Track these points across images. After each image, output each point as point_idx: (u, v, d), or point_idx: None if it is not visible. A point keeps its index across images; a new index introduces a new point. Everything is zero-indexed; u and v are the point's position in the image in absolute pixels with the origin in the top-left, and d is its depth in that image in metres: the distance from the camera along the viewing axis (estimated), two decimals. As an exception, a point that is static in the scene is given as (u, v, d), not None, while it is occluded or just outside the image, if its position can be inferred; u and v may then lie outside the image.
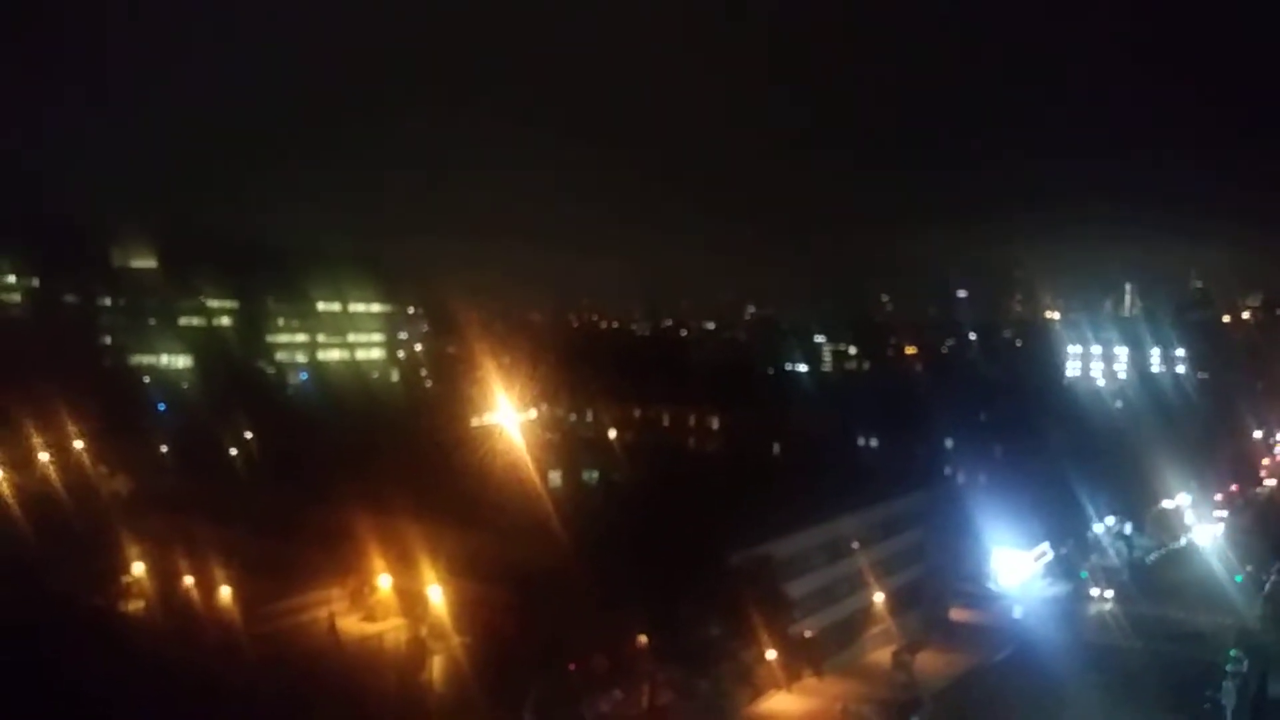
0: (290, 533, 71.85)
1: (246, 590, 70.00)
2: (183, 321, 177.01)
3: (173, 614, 70.65)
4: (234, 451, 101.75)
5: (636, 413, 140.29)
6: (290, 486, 79.91)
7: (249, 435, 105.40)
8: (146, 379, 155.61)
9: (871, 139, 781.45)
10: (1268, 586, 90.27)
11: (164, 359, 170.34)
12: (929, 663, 71.17)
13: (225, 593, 71.01)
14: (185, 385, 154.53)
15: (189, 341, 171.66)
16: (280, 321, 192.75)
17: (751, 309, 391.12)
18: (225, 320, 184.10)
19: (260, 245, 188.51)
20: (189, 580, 73.24)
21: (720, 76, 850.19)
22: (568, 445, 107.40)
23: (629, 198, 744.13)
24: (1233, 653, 68.92)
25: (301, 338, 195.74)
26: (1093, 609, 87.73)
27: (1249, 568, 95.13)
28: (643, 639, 55.80)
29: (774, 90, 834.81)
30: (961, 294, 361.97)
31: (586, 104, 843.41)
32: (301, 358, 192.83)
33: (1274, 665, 70.55)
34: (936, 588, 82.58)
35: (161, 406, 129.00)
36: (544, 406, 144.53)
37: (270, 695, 56.20)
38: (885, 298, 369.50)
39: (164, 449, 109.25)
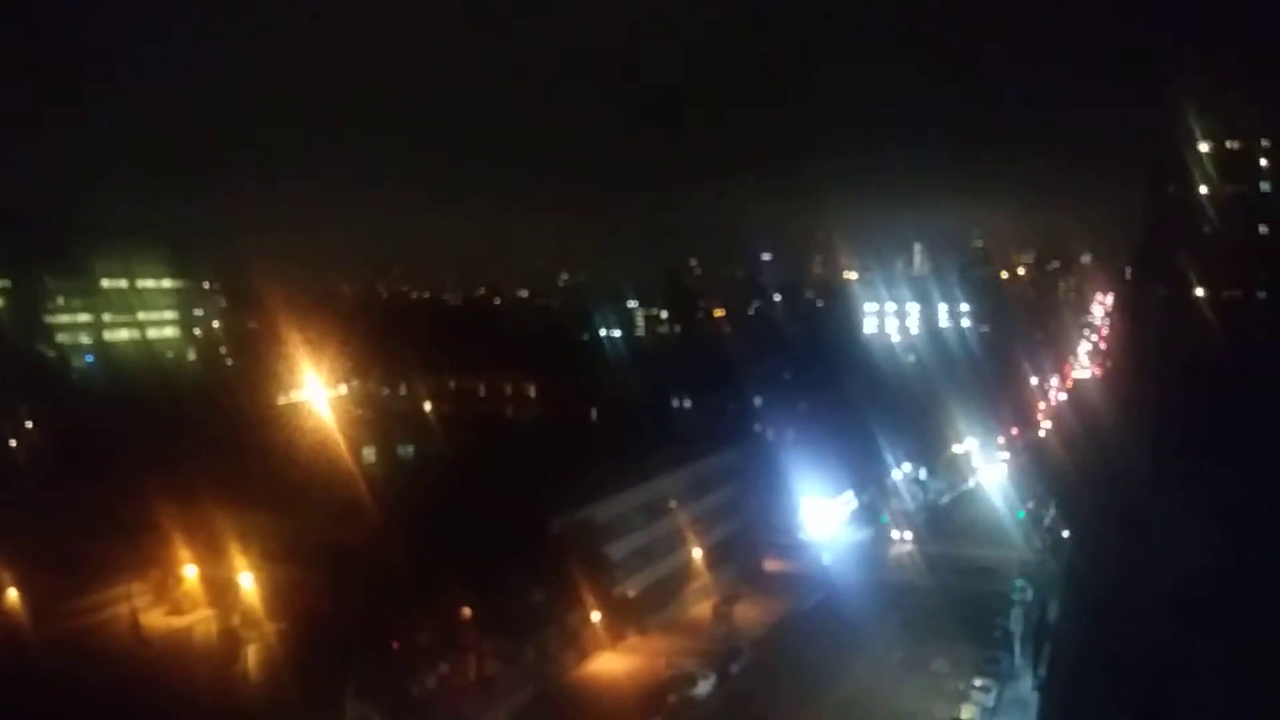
0: (82, 526, 67.17)
1: (34, 590, 65.12)
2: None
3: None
4: (13, 442, 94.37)
5: (451, 384, 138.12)
6: (80, 477, 74.76)
7: (29, 424, 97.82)
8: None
9: (679, 104, 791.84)
10: (1046, 521, 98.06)
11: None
12: (747, 613, 73.99)
13: (12, 595, 65.96)
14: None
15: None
16: (60, 300, 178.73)
17: (565, 276, 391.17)
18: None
19: (33, 216, 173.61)
20: (-32, 585, 67.55)
21: (520, 38, 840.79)
22: (381, 420, 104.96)
23: (436, 165, 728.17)
24: (1018, 583, 74.59)
25: (85, 317, 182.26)
26: (894, 551, 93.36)
27: (1029, 504, 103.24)
28: (466, 611, 55.56)
29: (576, 57, 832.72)
30: (766, 257, 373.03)
31: (390, 73, 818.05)
32: (86, 338, 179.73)
33: (1052, 593, 77.01)
34: (751, 540, 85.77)
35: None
36: (354, 382, 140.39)
37: (67, 700, 52.70)
38: (694, 262, 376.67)
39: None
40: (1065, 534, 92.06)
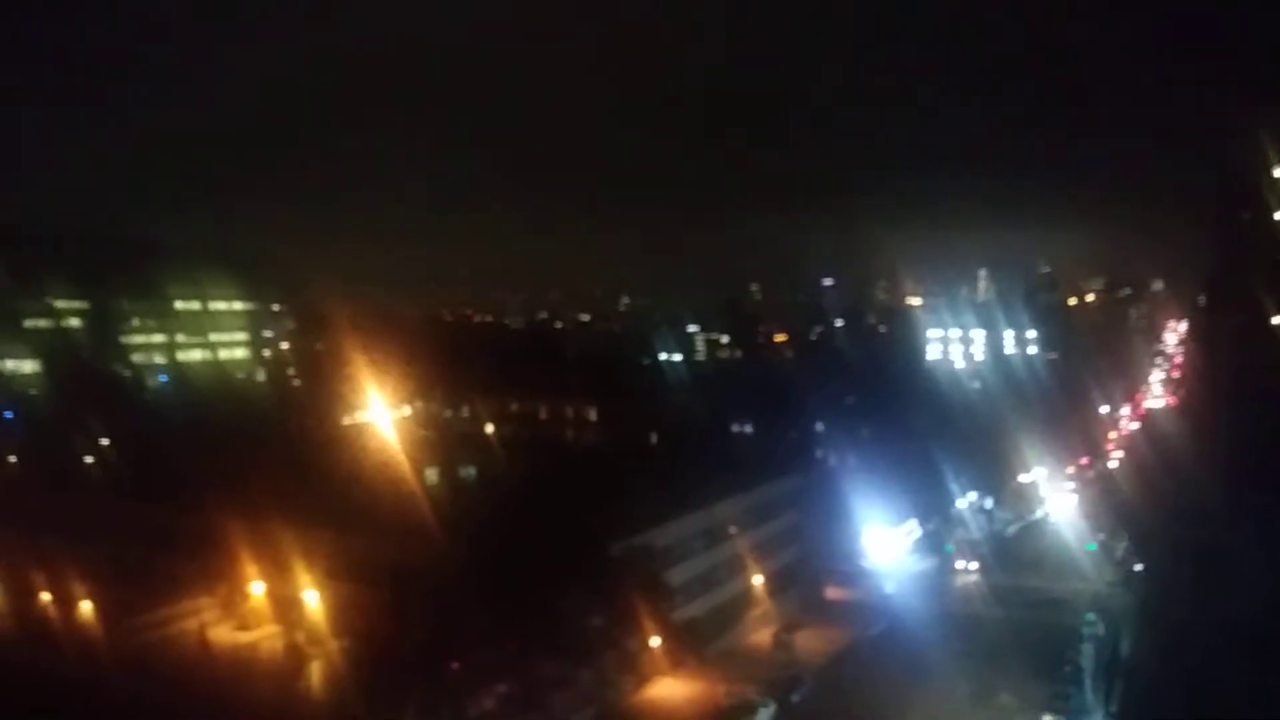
0: (154, 542, 68.98)
1: (109, 604, 67.06)
2: (28, 323, 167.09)
3: (31, 633, 67.10)
4: (90, 460, 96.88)
5: (513, 407, 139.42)
6: (153, 494, 76.60)
7: (105, 442, 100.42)
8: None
9: (739, 129, 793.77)
10: (1118, 553, 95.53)
11: (8, 364, 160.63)
12: (808, 641, 73.01)
13: (86, 608, 67.82)
14: (34, 391, 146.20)
15: (36, 344, 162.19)
16: (136, 321, 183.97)
17: (625, 300, 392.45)
18: (75, 321, 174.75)
19: (111, 241, 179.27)
20: (46, 597, 69.59)
21: (584, 64, 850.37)
22: (443, 442, 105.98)
23: (499, 189, 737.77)
24: (1089, 617, 72.65)
25: (159, 338, 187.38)
26: (959, 581, 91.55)
27: (1100, 536, 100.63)
28: (525, 633, 55.65)
29: (639, 82, 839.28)
30: (828, 282, 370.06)
31: (453, 95, 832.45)
32: (160, 359, 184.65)
33: (1124, 627, 74.92)
34: (812, 568, 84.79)
35: (8, 414, 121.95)
36: (418, 403, 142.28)
37: (140, 712, 53.89)
38: (754, 287, 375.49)
39: (12, 459, 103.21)
40: (1138, 567, 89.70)
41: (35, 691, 56.13)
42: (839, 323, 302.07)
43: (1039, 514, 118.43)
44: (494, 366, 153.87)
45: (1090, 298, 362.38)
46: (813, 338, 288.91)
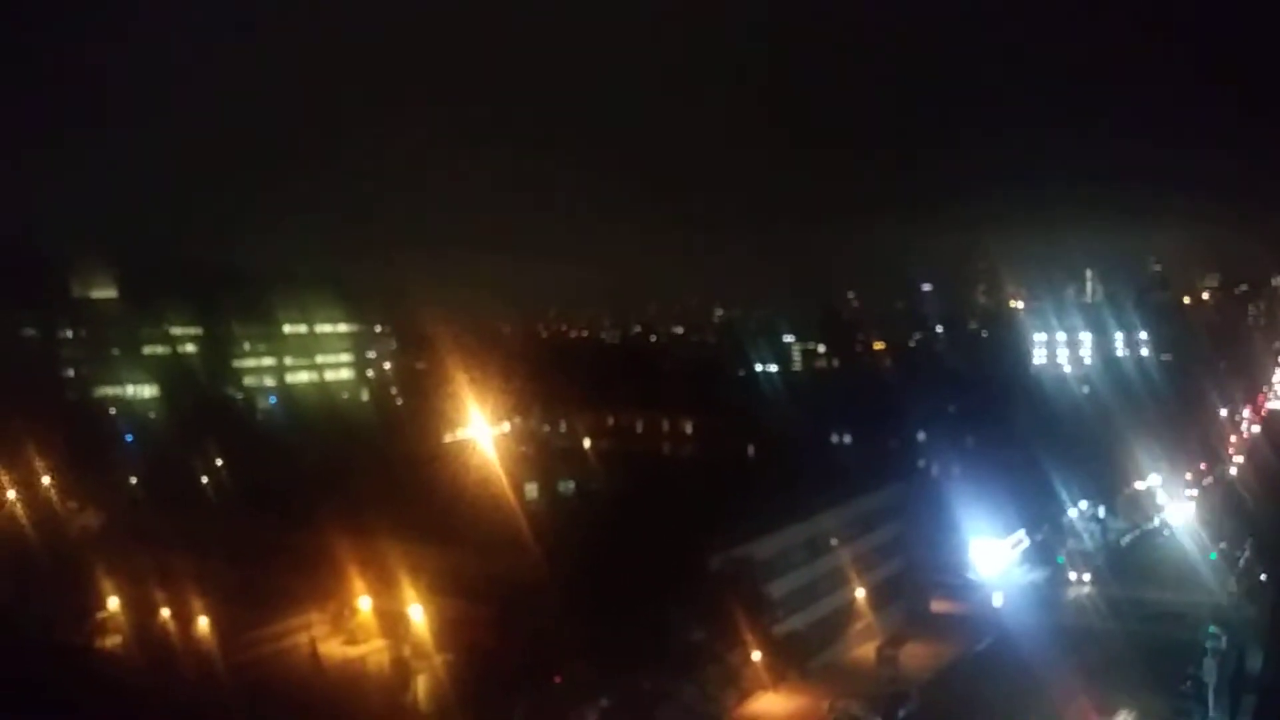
0: (267, 559, 71.12)
1: (225, 620, 69.31)
2: (147, 350, 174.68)
3: (151, 648, 69.63)
4: (205, 480, 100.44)
5: (610, 421, 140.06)
6: (265, 513, 79.10)
7: (220, 463, 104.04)
8: (112, 410, 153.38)
9: (831, 135, 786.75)
10: (1241, 563, 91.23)
11: (129, 389, 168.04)
12: (914, 656, 71.43)
13: (203, 624, 70.33)
14: (152, 415, 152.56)
15: (154, 370, 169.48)
16: (246, 346, 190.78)
17: (719, 311, 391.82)
18: (190, 347, 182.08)
19: (222, 269, 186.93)
20: (166, 613, 72.32)
21: (678, 77, 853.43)
22: (542, 457, 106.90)
23: (591, 205, 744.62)
24: (1212, 630, 69.48)
25: (268, 361, 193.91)
26: (1071, 593, 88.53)
27: (1222, 545, 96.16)
28: (627, 646, 55.63)
29: (731, 91, 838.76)
30: (926, 287, 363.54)
31: (545, 113, 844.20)
32: (269, 381, 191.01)
33: (1250, 641, 71.45)
34: (917, 580, 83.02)
35: (129, 438, 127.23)
36: (517, 419, 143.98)
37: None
38: (851, 294, 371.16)
39: (133, 481, 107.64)
40: (1263, 577, 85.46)
41: (155, 707, 58.28)
42: (939, 328, 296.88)
43: (1155, 522, 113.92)
44: (590, 381, 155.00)
45: (1205, 295, 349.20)
46: (912, 344, 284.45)
